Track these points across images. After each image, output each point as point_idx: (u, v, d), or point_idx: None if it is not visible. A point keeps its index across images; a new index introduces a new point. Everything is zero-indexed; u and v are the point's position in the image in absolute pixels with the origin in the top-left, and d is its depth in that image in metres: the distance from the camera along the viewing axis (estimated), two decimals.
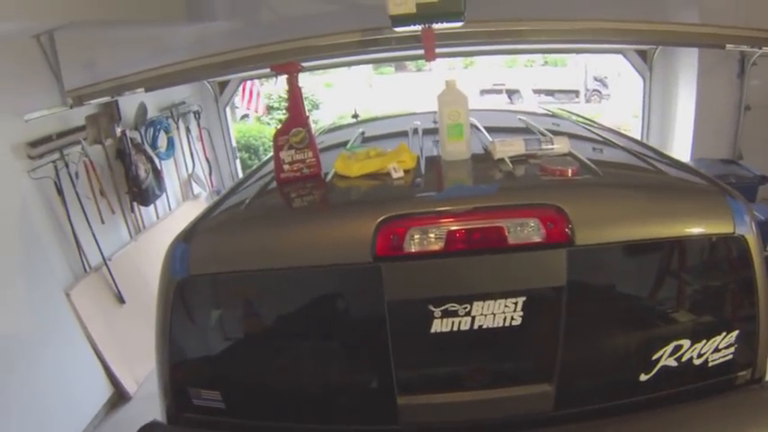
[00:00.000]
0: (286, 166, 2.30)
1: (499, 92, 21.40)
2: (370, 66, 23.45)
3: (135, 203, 5.51)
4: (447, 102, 2.27)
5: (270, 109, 14.20)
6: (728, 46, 4.53)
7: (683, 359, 1.94)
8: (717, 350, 1.96)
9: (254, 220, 2.12)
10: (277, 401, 2.04)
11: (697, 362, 1.95)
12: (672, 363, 1.94)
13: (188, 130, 6.83)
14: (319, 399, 2.03)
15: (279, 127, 2.33)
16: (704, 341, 1.94)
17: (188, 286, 1.94)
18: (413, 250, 1.82)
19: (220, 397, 2.00)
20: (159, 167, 5.88)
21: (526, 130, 2.85)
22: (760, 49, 4.68)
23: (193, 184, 6.97)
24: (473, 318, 1.84)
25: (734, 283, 2.02)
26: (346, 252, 1.85)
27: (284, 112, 16.34)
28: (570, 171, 2.06)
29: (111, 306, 4.87)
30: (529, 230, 1.82)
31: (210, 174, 7.33)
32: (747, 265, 1.93)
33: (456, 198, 1.95)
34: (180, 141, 6.65)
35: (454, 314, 1.84)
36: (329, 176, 2.30)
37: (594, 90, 22.03)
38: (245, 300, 2.04)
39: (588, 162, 2.19)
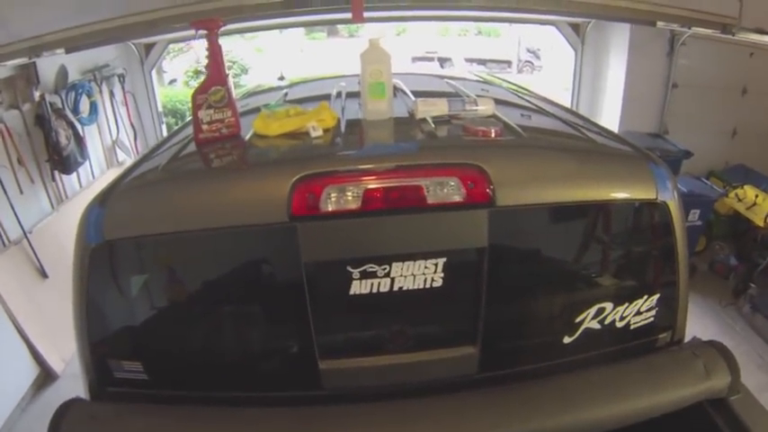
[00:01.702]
0: (205, 126, 2.21)
1: (431, 60, 21.35)
2: (302, 31, 22.96)
3: (56, 172, 5.24)
4: (369, 60, 2.21)
5: (197, 73, 13.74)
6: (659, 23, 4.66)
7: (606, 322, 2.00)
8: (638, 313, 2.02)
9: (169, 182, 2.03)
10: (199, 370, 1.97)
11: (619, 324, 2.01)
12: (595, 325, 1.99)
13: (112, 94, 6.53)
14: (242, 365, 1.98)
15: (197, 86, 2.24)
16: (626, 304, 2.00)
17: (103, 252, 1.83)
18: (329, 209, 1.77)
19: (142, 368, 1.92)
20: (81, 134, 5.60)
21: (453, 94, 2.82)
22: (690, 29, 4.82)
23: (118, 151, 6.68)
24: (393, 279, 1.81)
25: (655, 249, 2.08)
26: (262, 212, 1.78)
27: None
28: (493, 132, 2.04)
29: (33, 281, 4.64)
30: (449, 190, 1.79)
31: (136, 139, 7.03)
32: (669, 231, 1.99)
33: (374, 156, 1.92)
34: (103, 106, 6.35)
35: (373, 275, 1.80)
36: (248, 136, 2.23)
37: (527, 61, 22.31)
38: (163, 265, 1.95)
39: (513, 124, 2.18)
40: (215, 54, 2.18)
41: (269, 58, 20.19)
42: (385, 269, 1.80)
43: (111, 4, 3.97)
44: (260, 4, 3.39)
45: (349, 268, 1.79)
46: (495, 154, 1.94)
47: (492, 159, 1.84)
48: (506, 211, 1.81)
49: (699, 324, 4.66)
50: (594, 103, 7.21)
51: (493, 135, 2.04)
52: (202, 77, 2.24)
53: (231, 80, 2.25)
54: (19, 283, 4.44)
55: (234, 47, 17.38)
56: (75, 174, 5.57)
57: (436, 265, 1.81)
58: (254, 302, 1.96)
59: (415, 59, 21.38)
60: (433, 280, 1.82)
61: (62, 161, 5.18)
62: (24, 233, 4.63)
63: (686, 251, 2.03)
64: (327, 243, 1.82)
